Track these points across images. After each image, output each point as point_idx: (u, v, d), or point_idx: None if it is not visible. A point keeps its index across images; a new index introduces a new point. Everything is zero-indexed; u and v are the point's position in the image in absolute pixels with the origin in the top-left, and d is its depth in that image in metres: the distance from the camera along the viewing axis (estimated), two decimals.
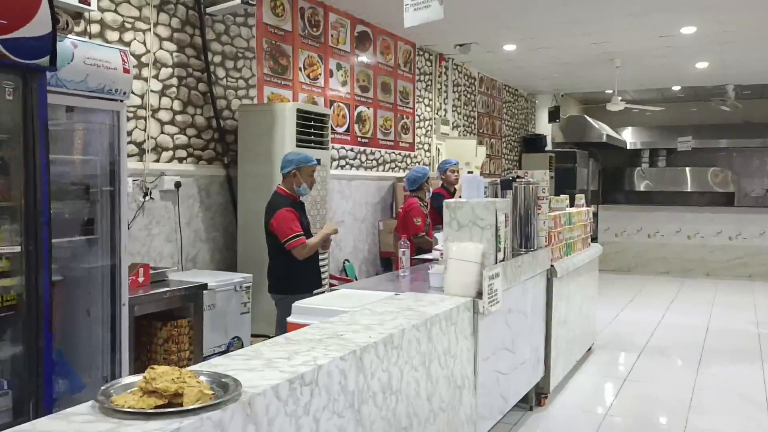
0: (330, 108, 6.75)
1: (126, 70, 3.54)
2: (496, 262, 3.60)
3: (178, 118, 4.96)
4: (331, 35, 6.77)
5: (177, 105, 4.95)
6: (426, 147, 8.82)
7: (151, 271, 4.17)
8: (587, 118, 14.22)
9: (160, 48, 4.81)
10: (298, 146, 5.18)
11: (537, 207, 4.45)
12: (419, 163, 8.60)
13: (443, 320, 3.06)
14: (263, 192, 5.21)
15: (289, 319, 3.26)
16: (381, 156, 7.71)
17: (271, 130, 5.16)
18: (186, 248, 5.03)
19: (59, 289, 3.55)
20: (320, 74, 6.60)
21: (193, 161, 5.09)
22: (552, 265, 4.73)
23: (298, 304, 3.27)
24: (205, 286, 4.28)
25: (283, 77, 6.07)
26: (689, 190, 15.36)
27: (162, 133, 4.83)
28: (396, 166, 7.98)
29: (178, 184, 4.88)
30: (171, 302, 4.09)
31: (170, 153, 4.89)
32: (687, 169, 15.56)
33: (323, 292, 4.42)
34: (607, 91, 13.06)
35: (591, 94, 13.96)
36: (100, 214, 3.60)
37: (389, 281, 4.28)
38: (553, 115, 12.94)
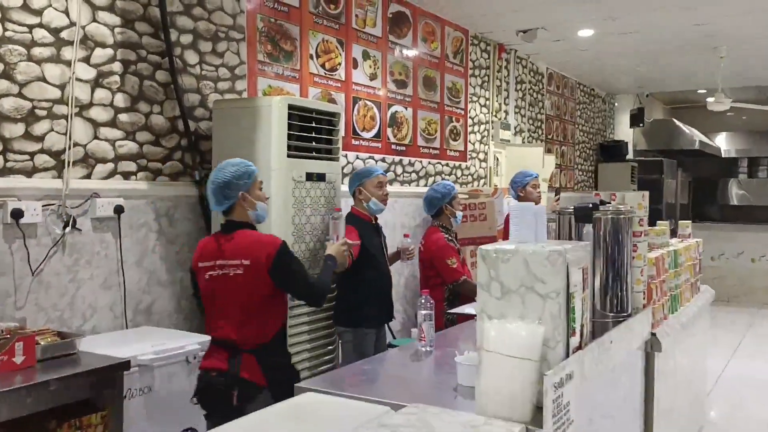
0: (353, 107, 5.32)
1: None
2: (567, 355, 2.09)
3: (123, 117, 3.61)
4: (356, 15, 5.34)
5: (121, 100, 3.60)
6: (482, 156, 7.27)
7: (46, 342, 2.81)
8: (676, 121, 12.34)
9: (94, 20, 3.46)
10: (290, 155, 3.76)
11: (633, 248, 2.89)
12: (471, 176, 7.05)
13: None
14: None
15: None
16: (422, 167, 6.21)
17: (253, 132, 3.76)
18: (135, 296, 3.66)
19: None
20: (340, 64, 5.17)
21: (146, 177, 3.73)
22: (653, 334, 3.15)
23: None
24: (126, 365, 2.87)
25: (286, 67, 4.66)
26: None
27: (96, 138, 3.48)
28: (443, 180, 6.45)
29: (119, 209, 3.53)
30: (68, 394, 2.69)
31: (109, 166, 3.54)
32: None
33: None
34: (699, 91, 11.21)
35: (679, 93, 12.06)
36: None
37: (399, 365, 2.80)
38: (636, 119, 11.14)
